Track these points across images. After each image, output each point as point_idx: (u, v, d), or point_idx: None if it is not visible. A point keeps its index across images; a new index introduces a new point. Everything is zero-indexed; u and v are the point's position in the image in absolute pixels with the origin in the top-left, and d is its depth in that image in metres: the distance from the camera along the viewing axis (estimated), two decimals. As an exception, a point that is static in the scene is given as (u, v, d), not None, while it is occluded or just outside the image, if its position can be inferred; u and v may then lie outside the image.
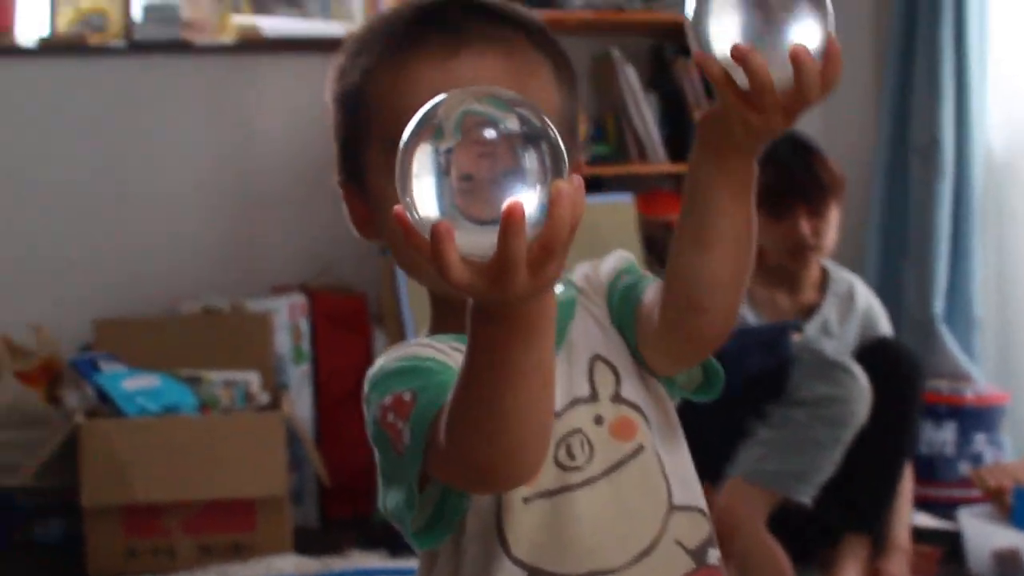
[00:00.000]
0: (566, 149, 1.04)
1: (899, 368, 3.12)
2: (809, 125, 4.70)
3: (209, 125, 4.27)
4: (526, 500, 1.17)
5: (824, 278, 3.39)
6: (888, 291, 4.47)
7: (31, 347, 3.94)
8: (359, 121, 1.24)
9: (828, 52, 1.04)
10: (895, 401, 3.05)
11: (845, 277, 3.43)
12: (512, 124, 0.90)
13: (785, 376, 2.82)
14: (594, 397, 1.22)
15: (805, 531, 3.27)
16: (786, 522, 2.99)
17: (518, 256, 0.89)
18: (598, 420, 1.21)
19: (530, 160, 0.90)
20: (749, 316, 3.28)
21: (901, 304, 4.44)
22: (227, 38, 4.28)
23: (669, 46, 4.50)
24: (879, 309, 3.42)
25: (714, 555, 1.24)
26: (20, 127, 4.17)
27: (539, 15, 1.29)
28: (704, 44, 1.05)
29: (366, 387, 1.17)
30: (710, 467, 2.77)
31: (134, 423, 3.43)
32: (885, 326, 3.42)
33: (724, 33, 1.04)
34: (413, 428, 1.09)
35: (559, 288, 1.29)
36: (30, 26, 4.24)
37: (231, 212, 4.27)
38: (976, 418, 4.07)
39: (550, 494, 1.18)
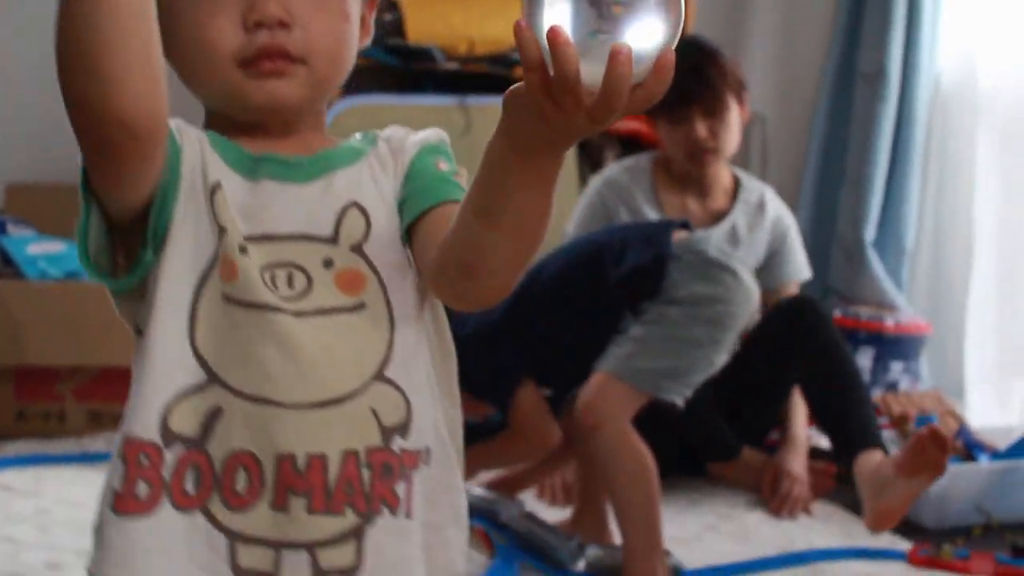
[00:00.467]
0: None
1: (803, 317, 3.20)
2: (761, 47, 4.67)
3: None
4: (227, 299, 1.14)
5: (735, 186, 3.41)
6: (822, 215, 4.46)
7: (-54, 208, 3.91)
8: None
9: (657, 62, 0.96)
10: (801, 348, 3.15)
11: (756, 186, 3.44)
12: None
13: (661, 273, 2.77)
14: (333, 240, 1.19)
15: (696, 448, 3.30)
16: (670, 434, 3.00)
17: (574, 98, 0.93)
18: (328, 263, 1.18)
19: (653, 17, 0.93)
20: (655, 218, 3.30)
21: (833, 229, 4.42)
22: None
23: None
24: (789, 220, 3.44)
25: (399, 444, 1.17)
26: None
27: None
28: (532, 17, 0.97)
29: None
30: (582, 365, 2.76)
31: (33, 286, 3.39)
32: (794, 237, 3.43)
33: (555, 14, 0.95)
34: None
35: (357, 136, 1.27)
36: None
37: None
38: (894, 346, 4.06)
39: (252, 306, 1.14)
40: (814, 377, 3.14)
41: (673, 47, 0.95)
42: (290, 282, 1.16)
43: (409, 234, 1.21)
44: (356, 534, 1.15)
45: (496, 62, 4.11)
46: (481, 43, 4.10)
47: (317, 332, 1.15)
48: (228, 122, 1.22)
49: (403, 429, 1.17)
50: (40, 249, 3.51)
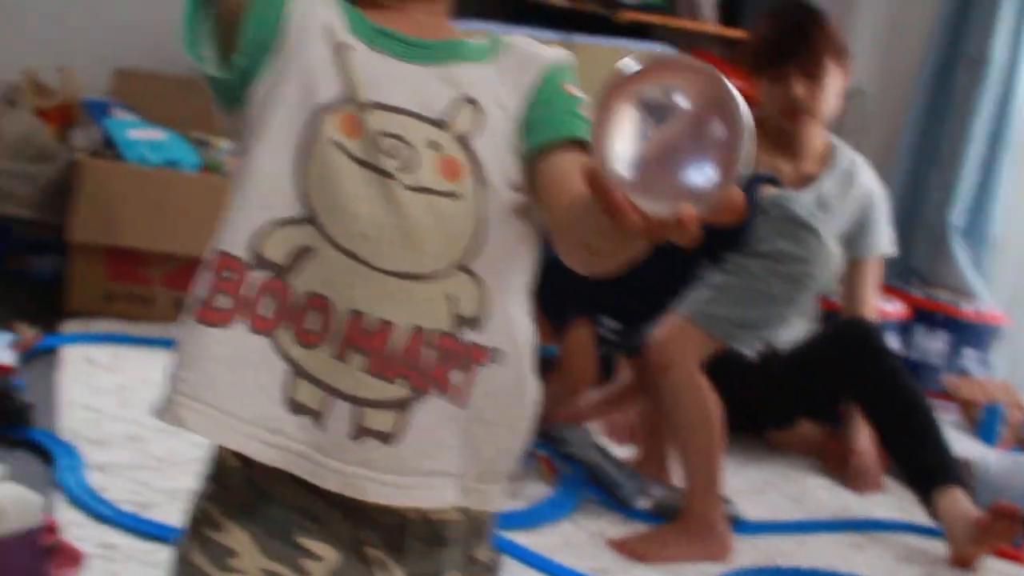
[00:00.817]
0: None
1: (862, 346, 3.11)
2: (867, 21, 4.65)
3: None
4: (336, 145, 1.17)
5: (828, 152, 3.40)
6: (911, 195, 4.45)
7: (55, 87, 3.97)
8: None
9: (717, 204, 0.95)
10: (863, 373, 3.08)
11: (849, 155, 3.42)
12: (717, 130, 0.93)
13: (746, 225, 2.80)
14: (441, 124, 1.21)
15: (759, 411, 3.31)
16: (742, 396, 3.01)
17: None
18: (434, 146, 1.20)
19: (710, 152, 0.93)
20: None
21: (921, 211, 4.41)
22: None
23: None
24: (879, 193, 3.42)
25: (469, 336, 1.20)
26: None
27: None
28: (600, 158, 0.96)
29: None
30: (657, 304, 2.79)
31: (131, 169, 3.46)
32: (881, 210, 3.41)
33: (621, 153, 0.95)
34: None
35: (482, 38, 1.29)
36: None
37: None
38: (970, 333, 4.06)
39: (361, 162, 1.17)
40: (876, 407, 3.07)
41: (735, 186, 0.95)
42: (395, 153, 1.18)
43: (530, 161, 1.22)
44: (401, 405, 1.18)
45: (603, 3, 4.13)
46: (592, -17, 4.13)
47: (415, 207, 1.18)
48: None
49: (475, 323, 1.20)
50: (142, 135, 3.56)
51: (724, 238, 2.77)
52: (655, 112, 0.94)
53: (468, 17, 3.92)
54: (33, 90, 3.93)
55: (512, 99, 1.24)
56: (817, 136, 3.36)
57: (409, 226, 1.17)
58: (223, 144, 3.61)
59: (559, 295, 2.89)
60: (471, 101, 1.22)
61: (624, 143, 0.95)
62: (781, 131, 3.30)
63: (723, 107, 0.94)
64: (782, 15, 3.29)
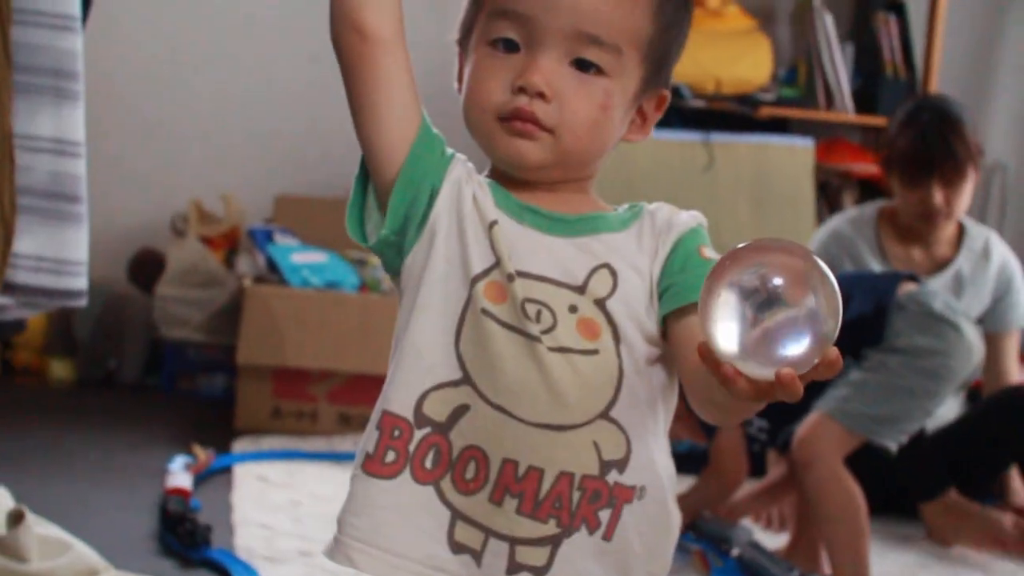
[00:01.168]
0: (649, 76, 1.36)
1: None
2: (1005, 95, 4.67)
3: (426, 18, 4.43)
4: (485, 312, 1.30)
5: (960, 233, 3.45)
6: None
7: (220, 214, 4.19)
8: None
9: (815, 366, 1.14)
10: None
11: (981, 232, 3.47)
12: (809, 304, 1.10)
13: (882, 322, 2.85)
14: (580, 290, 1.32)
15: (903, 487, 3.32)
16: (882, 475, 3.05)
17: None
18: (572, 308, 1.32)
19: (807, 336, 1.10)
20: (877, 266, 3.35)
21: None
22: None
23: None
24: (1015, 266, 3.47)
25: (614, 478, 1.31)
26: (218, 7, 4.40)
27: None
28: (710, 338, 1.12)
29: None
30: (801, 402, 2.85)
31: (295, 292, 3.64)
32: (1019, 282, 3.45)
33: (723, 328, 1.11)
34: None
35: (624, 207, 1.40)
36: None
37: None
38: None
39: (508, 327, 1.30)
40: None
41: (828, 346, 1.13)
42: (538, 317, 1.30)
43: (666, 321, 1.33)
44: (553, 541, 1.30)
45: (742, 101, 4.22)
46: (728, 82, 4.21)
47: (558, 366, 1.30)
48: (503, 175, 1.38)
49: (620, 465, 1.32)
50: (303, 259, 3.75)
51: (865, 336, 2.83)
52: (752, 294, 1.10)
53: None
54: (199, 218, 4.16)
55: (647, 265, 1.35)
56: (951, 227, 3.41)
57: (553, 383, 1.29)
58: (379, 261, 3.77)
59: None
60: (607, 267, 1.33)
61: (727, 321, 1.11)
62: (913, 225, 3.37)
63: (812, 282, 1.12)
64: (922, 124, 3.30)
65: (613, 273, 1.33)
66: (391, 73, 1.32)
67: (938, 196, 3.28)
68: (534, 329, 1.29)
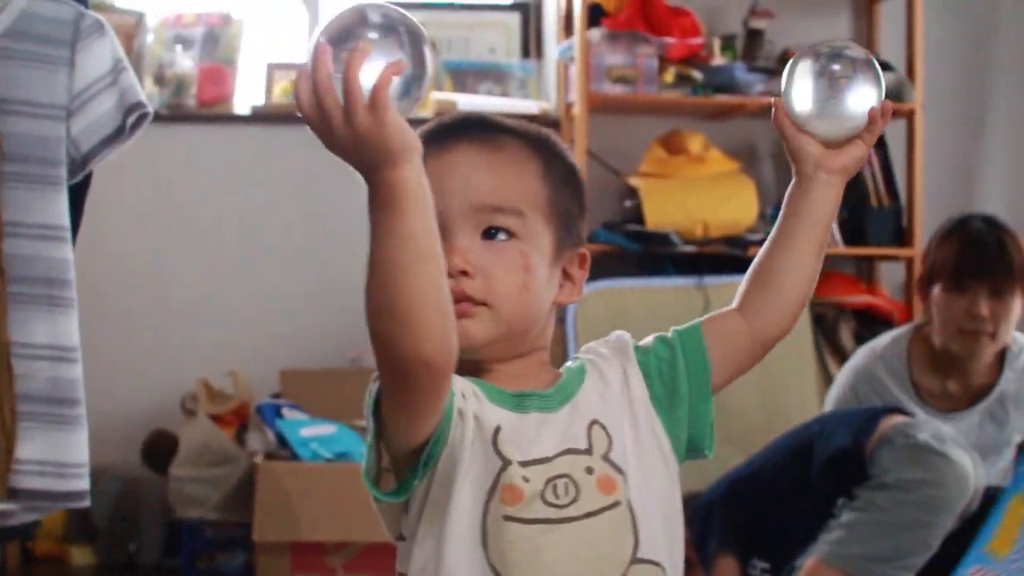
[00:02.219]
0: (559, 235, 1.44)
1: None
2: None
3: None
4: (507, 518, 1.35)
5: (1001, 355, 3.22)
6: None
7: (228, 391, 4.26)
8: None
9: (871, 115, 1.44)
10: None
11: None
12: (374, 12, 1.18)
13: (862, 458, 2.84)
14: (589, 451, 1.40)
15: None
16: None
17: (329, 94, 1.16)
18: (589, 471, 1.39)
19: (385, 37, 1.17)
20: (915, 408, 3.19)
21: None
22: (426, 112, 4.57)
23: (853, 131, 4.59)
24: None
25: None
26: (232, 187, 4.52)
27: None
28: (787, 102, 1.45)
29: None
30: (798, 543, 2.87)
31: (306, 467, 3.69)
32: None
33: (800, 90, 1.44)
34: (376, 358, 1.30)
35: (570, 363, 1.49)
36: (246, 96, 4.61)
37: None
38: None
39: (534, 521, 1.36)
40: None
41: (881, 106, 1.44)
42: (565, 492, 1.37)
43: (705, 379, 1.48)
44: None
45: (731, 243, 4.29)
46: (716, 226, 4.29)
47: (588, 532, 1.37)
48: (480, 370, 1.42)
49: None
50: (312, 432, 3.80)
51: (848, 473, 2.84)
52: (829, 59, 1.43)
53: (607, 276, 4.15)
54: (208, 397, 4.22)
55: (615, 375, 1.46)
56: (991, 355, 3.19)
57: (587, 552, 1.36)
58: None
59: (705, 530, 3.01)
60: (595, 423, 1.42)
61: (802, 87, 1.43)
62: (949, 353, 3.18)
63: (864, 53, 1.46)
64: (973, 229, 3.17)
65: (602, 427, 1.41)
66: (447, 388, 1.32)
67: (984, 307, 3.07)
68: (561, 508, 1.36)
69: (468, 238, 1.40)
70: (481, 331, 1.40)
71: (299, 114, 1.19)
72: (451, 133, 1.45)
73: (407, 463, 1.35)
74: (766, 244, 1.52)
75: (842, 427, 2.92)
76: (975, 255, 3.11)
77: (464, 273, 1.38)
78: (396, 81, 1.16)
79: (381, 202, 1.20)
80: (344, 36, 1.16)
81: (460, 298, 1.36)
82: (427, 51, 1.18)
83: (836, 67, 1.42)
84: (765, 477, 2.99)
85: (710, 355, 1.48)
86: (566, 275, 1.48)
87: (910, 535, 2.80)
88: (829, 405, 3.36)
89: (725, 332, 1.49)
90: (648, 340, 1.51)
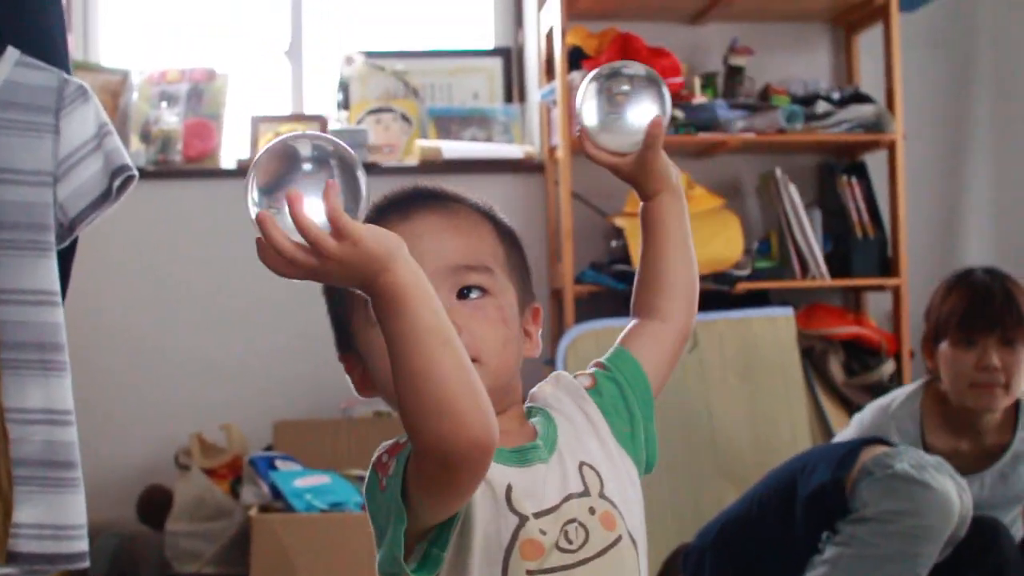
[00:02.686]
0: (520, 290, 1.51)
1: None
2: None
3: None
4: (530, 572, 1.38)
5: (1015, 411, 3.20)
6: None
7: (222, 444, 4.27)
8: (345, 294, 1.47)
9: (650, 124, 1.58)
10: None
11: None
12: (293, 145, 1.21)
13: (842, 492, 2.84)
14: (586, 492, 1.45)
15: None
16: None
17: (309, 224, 1.18)
18: (591, 511, 1.44)
19: (315, 168, 1.20)
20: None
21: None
22: (411, 160, 4.60)
23: (835, 163, 4.63)
24: None
25: None
26: (220, 241, 4.53)
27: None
28: (578, 119, 1.59)
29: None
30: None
31: (300, 518, 3.69)
32: None
33: (586, 109, 1.59)
34: (399, 458, 1.31)
35: (535, 416, 1.52)
36: (232, 150, 4.64)
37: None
38: None
39: (553, 571, 1.39)
40: None
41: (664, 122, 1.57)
42: (576, 534, 1.41)
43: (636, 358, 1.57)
44: None
45: (718, 280, 4.31)
46: (703, 263, 4.25)
47: (601, 571, 1.41)
48: None
49: None
50: (306, 483, 3.81)
51: (830, 507, 2.85)
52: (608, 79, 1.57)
53: (595, 317, 4.16)
54: (201, 451, 4.23)
55: (576, 414, 1.52)
56: (1004, 407, 3.16)
57: None
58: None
59: (698, 559, 3.02)
60: (583, 464, 1.47)
61: (591, 108, 1.58)
62: (963, 411, 3.16)
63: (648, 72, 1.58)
64: (978, 281, 3.14)
65: (589, 466, 1.47)
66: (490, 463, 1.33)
67: (995, 357, 3.05)
68: (575, 553, 1.40)
69: (446, 299, 1.42)
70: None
71: (292, 263, 1.22)
72: (410, 203, 1.50)
73: (422, 538, 1.36)
74: (642, 253, 1.66)
75: (823, 462, 2.92)
76: (982, 307, 3.08)
77: None
78: (341, 200, 1.18)
79: (387, 307, 1.22)
80: (278, 182, 1.19)
81: None
82: (360, 179, 1.21)
83: (615, 86, 1.57)
84: (752, 517, 3.01)
85: (644, 370, 1.56)
86: (525, 331, 1.53)
87: (894, 567, 2.80)
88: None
89: (645, 338, 1.60)
90: (587, 378, 1.56)
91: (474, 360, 1.38)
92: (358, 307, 1.45)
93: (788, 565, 2.92)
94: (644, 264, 1.64)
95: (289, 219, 1.17)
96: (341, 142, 1.21)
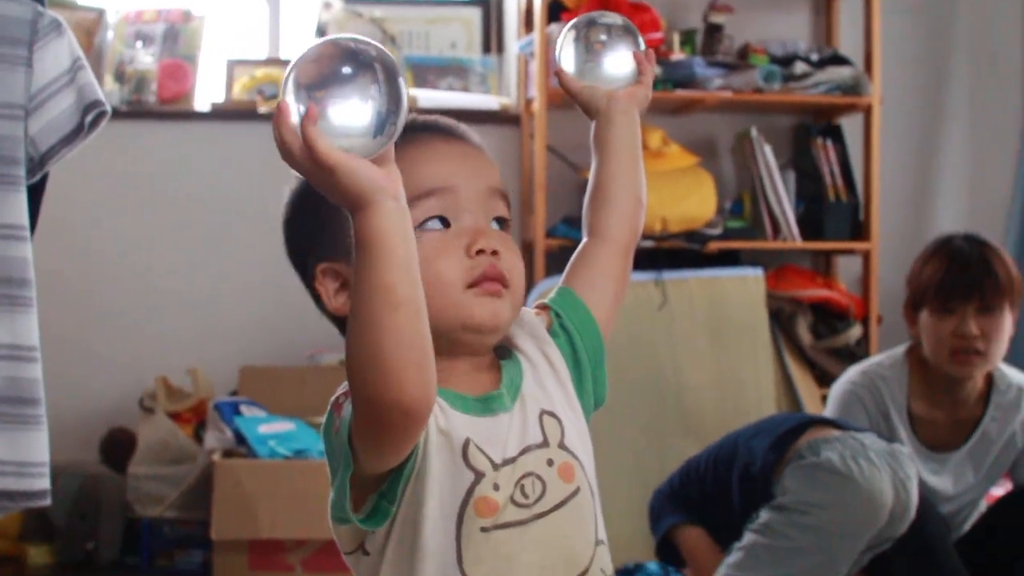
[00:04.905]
0: (502, 200, 1.46)
1: None
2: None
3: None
4: (484, 529, 1.35)
5: (988, 388, 3.20)
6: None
7: (187, 389, 4.25)
8: None
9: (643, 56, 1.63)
10: None
11: (1014, 383, 3.23)
12: (348, 45, 1.17)
13: (767, 474, 2.77)
14: (545, 443, 1.41)
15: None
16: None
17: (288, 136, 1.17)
18: (550, 463, 1.40)
19: (360, 74, 1.16)
20: (904, 434, 3.14)
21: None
22: (386, 108, 4.56)
23: (811, 125, 4.62)
24: None
25: None
26: (192, 185, 4.50)
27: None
28: (557, 60, 1.64)
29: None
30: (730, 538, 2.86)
31: (263, 464, 3.68)
32: None
33: (565, 56, 1.63)
34: (351, 402, 1.28)
35: (506, 362, 1.48)
36: (206, 93, 4.59)
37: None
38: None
39: (507, 526, 1.36)
40: None
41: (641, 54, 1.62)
42: (532, 488, 1.38)
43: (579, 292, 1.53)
44: None
45: (690, 238, 4.31)
46: (675, 221, 4.30)
47: (558, 525, 1.38)
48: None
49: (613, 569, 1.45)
50: (270, 429, 3.80)
51: (764, 492, 2.78)
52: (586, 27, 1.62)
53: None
54: (167, 395, 4.21)
55: (537, 354, 1.47)
56: (980, 379, 3.17)
57: (561, 544, 1.39)
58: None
59: (659, 511, 3.02)
60: (544, 413, 1.43)
61: (568, 55, 1.63)
62: (944, 377, 3.15)
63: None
64: (957, 247, 3.12)
65: (550, 414, 1.43)
66: (423, 429, 1.32)
67: (973, 325, 3.03)
68: (530, 507, 1.37)
69: (486, 222, 1.42)
70: (508, 313, 1.41)
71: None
72: (452, 127, 1.48)
73: (373, 488, 1.35)
74: (592, 174, 1.62)
75: (764, 436, 2.84)
76: (960, 274, 3.07)
77: (495, 253, 1.39)
78: (370, 117, 1.15)
79: (358, 247, 1.20)
80: (319, 81, 1.15)
81: (495, 277, 1.39)
82: (402, 86, 1.16)
83: (592, 34, 1.61)
84: (700, 473, 2.99)
85: (590, 308, 1.52)
86: None
87: (806, 560, 2.70)
88: (831, 406, 3.26)
89: (588, 262, 1.56)
90: (542, 322, 1.51)
91: (506, 287, 1.40)
92: None
93: (725, 532, 2.89)
94: (594, 182, 1.61)
95: (329, 122, 1.15)
96: (382, 47, 1.17)
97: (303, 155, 1.16)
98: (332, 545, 1.41)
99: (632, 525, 3.52)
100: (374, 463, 1.30)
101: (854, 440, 2.81)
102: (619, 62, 1.61)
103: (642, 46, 1.62)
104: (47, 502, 2.20)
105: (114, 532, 4.15)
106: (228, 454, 3.76)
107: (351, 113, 1.14)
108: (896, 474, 2.73)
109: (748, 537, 2.78)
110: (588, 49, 1.61)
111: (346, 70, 1.14)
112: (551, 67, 4.27)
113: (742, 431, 3.01)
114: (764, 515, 2.76)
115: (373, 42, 1.16)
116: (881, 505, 2.68)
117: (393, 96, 1.15)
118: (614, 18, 1.62)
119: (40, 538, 4.10)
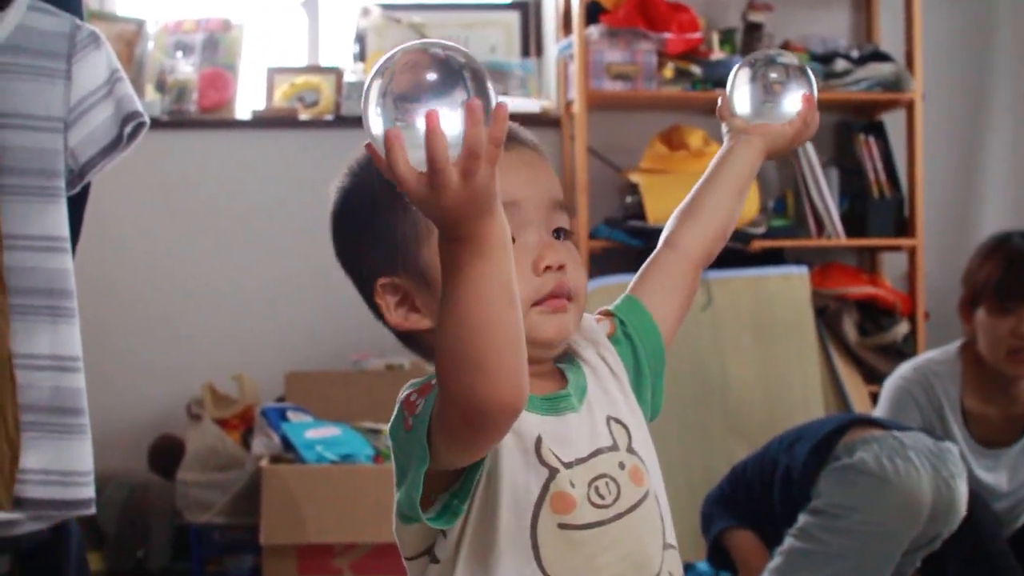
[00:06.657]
0: (563, 211, 1.43)
1: None
2: None
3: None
4: (562, 527, 1.35)
5: None
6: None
7: (234, 395, 4.27)
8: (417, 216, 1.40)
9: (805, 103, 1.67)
10: None
11: None
12: (437, 52, 1.11)
13: (806, 477, 2.76)
14: (615, 447, 1.41)
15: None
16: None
17: (441, 156, 1.08)
18: (621, 466, 1.40)
19: (451, 83, 1.09)
20: (957, 431, 3.14)
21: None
22: (426, 113, 4.57)
23: (853, 122, 4.59)
24: None
25: None
26: (234, 192, 4.53)
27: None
28: (731, 106, 1.67)
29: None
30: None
31: (310, 469, 3.70)
32: None
33: (738, 96, 1.65)
34: (428, 398, 1.26)
35: (567, 367, 1.48)
36: (247, 101, 4.62)
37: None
38: None
39: (589, 526, 1.36)
40: None
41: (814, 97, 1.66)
42: (608, 489, 1.38)
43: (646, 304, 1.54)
44: None
45: (734, 237, 4.26)
46: (718, 220, 4.28)
47: (633, 528, 1.39)
48: None
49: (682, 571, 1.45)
50: (317, 434, 3.81)
51: (803, 495, 2.77)
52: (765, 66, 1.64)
53: (610, 272, 4.15)
54: (214, 401, 4.23)
55: (598, 361, 1.46)
56: None
57: (636, 547, 1.39)
58: (392, 429, 3.84)
59: (710, 515, 3.02)
60: (611, 419, 1.43)
61: (743, 95, 1.65)
62: (997, 373, 3.15)
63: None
64: (1014, 247, 3.11)
65: (616, 420, 1.43)
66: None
67: None
68: (607, 508, 1.37)
69: (548, 235, 1.41)
70: (573, 326, 1.41)
71: (401, 187, 1.12)
72: (511, 132, 1.42)
73: (444, 487, 1.33)
74: (693, 189, 1.64)
75: (806, 441, 2.83)
76: (1019, 274, 3.06)
77: (561, 268, 1.38)
78: (462, 126, 1.10)
79: (473, 250, 1.15)
80: (413, 93, 1.09)
81: (562, 292, 1.38)
82: (491, 90, 1.12)
83: (772, 74, 1.63)
84: (747, 479, 2.98)
85: (655, 318, 1.52)
86: None
87: (843, 563, 2.69)
88: (883, 404, 3.25)
89: (660, 271, 1.58)
90: (607, 324, 1.51)
91: (570, 300, 1.39)
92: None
93: (773, 536, 2.88)
94: (692, 198, 1.62)
95: (418, 134, 1.08)
96: (470, 52, 1.12)
97: (421, 181, 1.10)
98: (380, 549, 1.42)
99: (678, 524, 3.50)
100: (456, 458, 1.28)
101: (893, 439, 2.79)
102: (794, 103, 1.64)
103: (815, 89, 1.64)
104: (92, 511, 2.22)
105: (164, 539, 4.18)
106: (276, 459, 3.78)
107: (444, 123, 1.09)
108: (939, 473, 2.71)
109: (787, 542, 2.78)
110: (766, 90, 1.63)
111: (435, 78, 1.09)
112: (591, 69, 4.27)
113: (786, 435, 3.00)
114: (801, 519, 2.76)
115: (460, 47, 1.12)
116: (918, 504, 2.66)
117: (484, 101, 1.11)
118: (791, 58, 1.64)
119: (90, 546, 4.13)
